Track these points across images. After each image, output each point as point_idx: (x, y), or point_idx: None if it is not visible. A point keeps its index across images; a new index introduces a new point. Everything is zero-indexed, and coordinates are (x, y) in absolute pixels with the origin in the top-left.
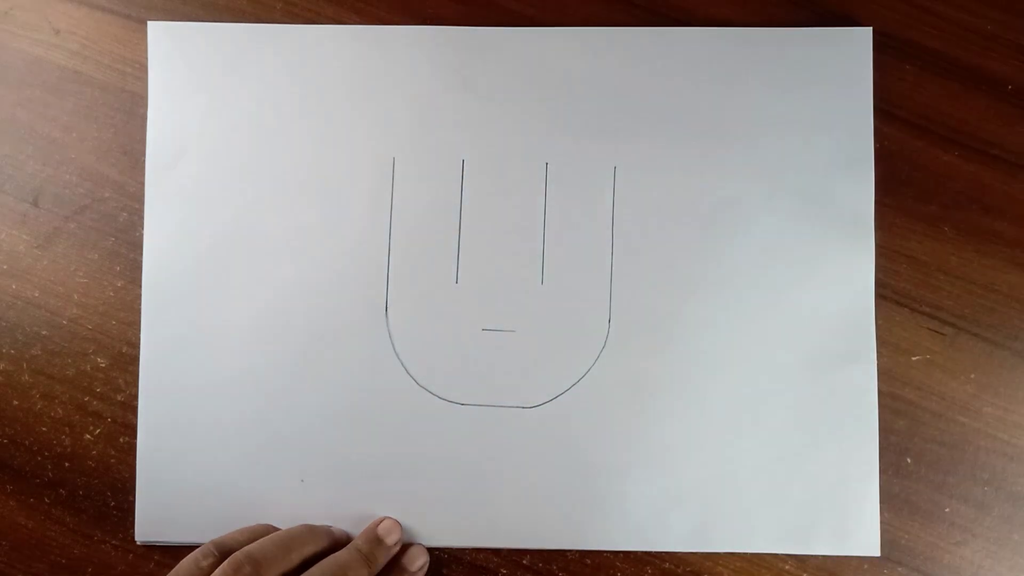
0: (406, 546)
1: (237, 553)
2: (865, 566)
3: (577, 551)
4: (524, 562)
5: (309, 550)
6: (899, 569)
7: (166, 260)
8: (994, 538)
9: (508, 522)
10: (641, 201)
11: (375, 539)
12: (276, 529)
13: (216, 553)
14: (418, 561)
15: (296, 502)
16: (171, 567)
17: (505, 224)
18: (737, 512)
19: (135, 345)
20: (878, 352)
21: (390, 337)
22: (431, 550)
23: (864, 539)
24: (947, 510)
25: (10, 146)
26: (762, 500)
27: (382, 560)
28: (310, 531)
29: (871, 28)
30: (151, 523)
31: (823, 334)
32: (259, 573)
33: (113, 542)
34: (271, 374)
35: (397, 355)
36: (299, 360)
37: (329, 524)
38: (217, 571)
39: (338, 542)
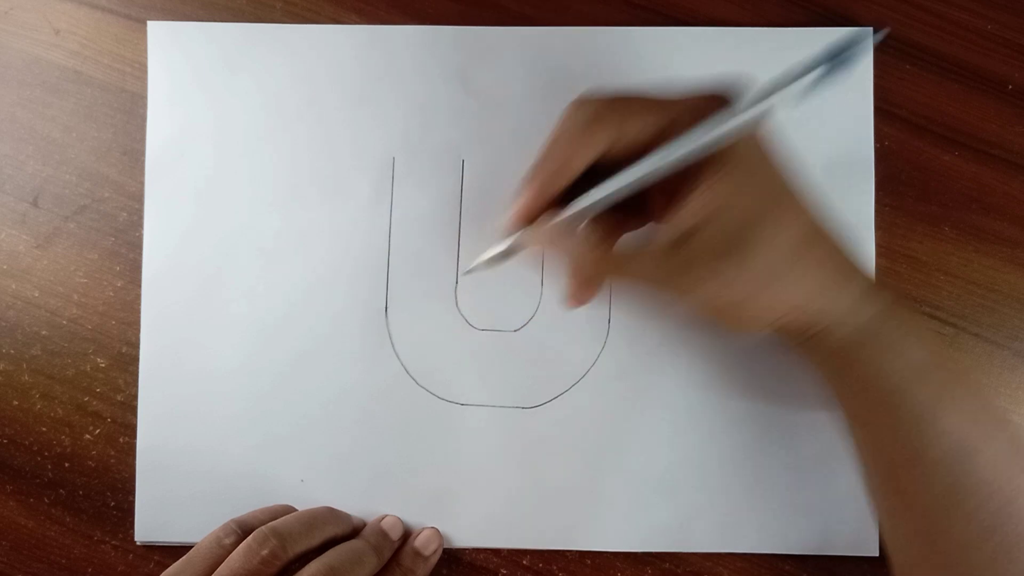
0: (419, 531)
1: (262, 528)
2: (865, 566)
3: (577, 551)
4: (524, 562)
5: (331, 531)
6: None
7: (166, 260)
8: None
9: (508, 522)
10: None
11: (381, 532)
12: (295, 510)
13: (239, 531)
14: (432, 545)
15: (296, 502)
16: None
17: None
18: (737, 512)
19: (135, 345)
20: None
21: (390, 337)
22: None
23: (864, 539)
24: None
25: (10, 146)
26: (762, 500)
27: (387, 554)
28: (332, 513)
29: (871, 28)
30: (151, 523)
31: None
32: (284, 548)
33: (113, 542)
34: (271, 373)
35: (397, 355)
36: (299, 360)
37: None
38: (242, 544)
39: (356, 529)
